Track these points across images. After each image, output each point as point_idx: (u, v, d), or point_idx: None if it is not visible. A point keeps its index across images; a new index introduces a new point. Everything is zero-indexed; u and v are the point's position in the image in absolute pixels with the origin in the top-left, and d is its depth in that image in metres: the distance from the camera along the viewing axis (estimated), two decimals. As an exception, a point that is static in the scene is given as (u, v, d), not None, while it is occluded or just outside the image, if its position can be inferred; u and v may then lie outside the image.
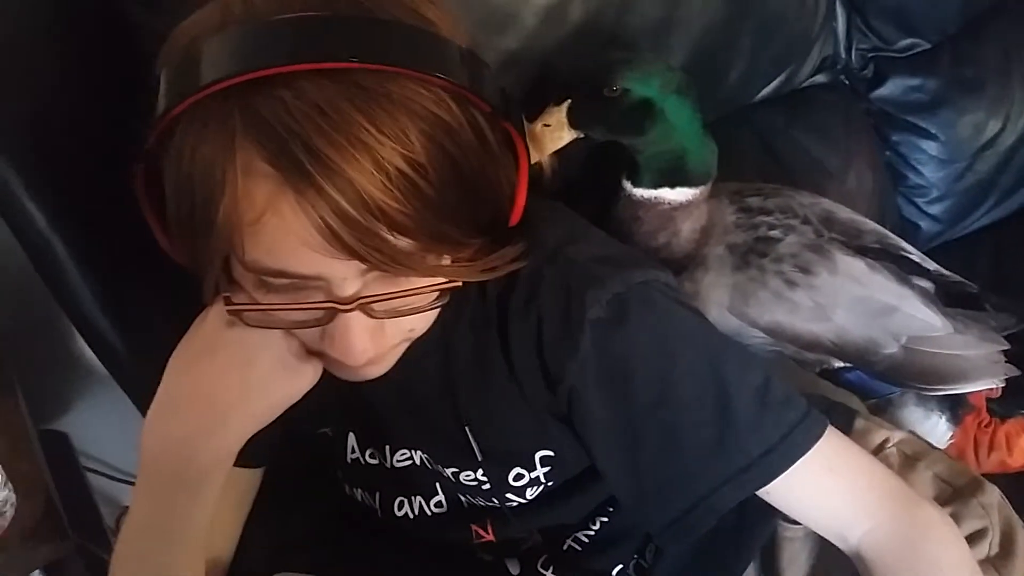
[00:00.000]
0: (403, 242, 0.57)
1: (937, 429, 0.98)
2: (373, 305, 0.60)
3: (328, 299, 0.59)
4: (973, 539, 0.75)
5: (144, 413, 0.66)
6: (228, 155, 0.55)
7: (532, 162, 0.76)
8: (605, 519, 0.81)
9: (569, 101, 0.86)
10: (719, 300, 0.94)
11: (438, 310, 0.65)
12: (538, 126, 0.87)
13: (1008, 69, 1.30)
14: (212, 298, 0.65)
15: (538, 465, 0.76)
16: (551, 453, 0.75)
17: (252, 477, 0.81)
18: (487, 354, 0.72)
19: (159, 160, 0.60)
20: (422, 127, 0.56)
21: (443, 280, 0.62)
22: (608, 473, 0.72)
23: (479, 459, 0.76)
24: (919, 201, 1.32)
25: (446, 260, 0.62)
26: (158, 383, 0.66)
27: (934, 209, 1.33)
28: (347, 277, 0.59)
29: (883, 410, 0.97)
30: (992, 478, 1.09)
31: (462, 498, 0.80)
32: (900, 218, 1.32)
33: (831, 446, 0.69)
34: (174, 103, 0.56)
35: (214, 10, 0.59)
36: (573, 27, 1.01)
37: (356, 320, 0.60)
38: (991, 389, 1.00)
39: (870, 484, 0.69)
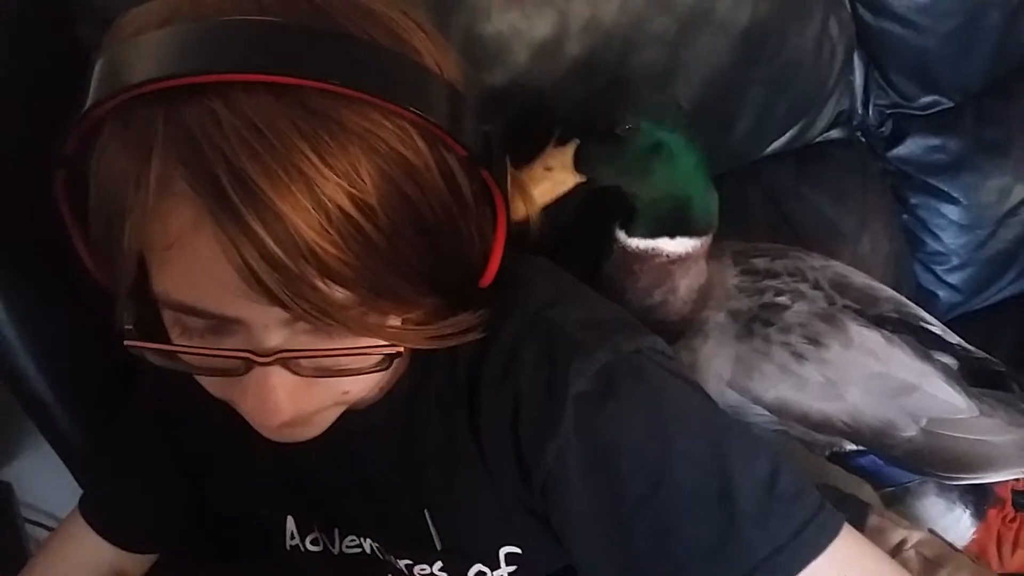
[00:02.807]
0: (339, 293, 0.49)
1: (960, 524, 0.88)
2: (299, 360, 0.52)
3: (245, 348, 0.51)
4: None
5: (71, 465, 0.57)
6: (143, 166, 0.47)
7: (528, 212, 0.68)
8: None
9: (577, 142, 0.79)
10: (719, 372, 0.85)
11: (382, 374, 0.56)
12: (539, 170, 0.79)
13: (1035, 132, 1.22)
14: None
15: (503, 563, 0.66)
16: (518, 550, 0.66)
17: (119, 559, 0.72)
18: (454, 432, 0.63)
19: (84, 165, 0.52)
20: (378, 164, 0.49)
21: (385, 342, 0.53)
22: (589, 570, 0.62)
23: (438, 550, 0.66)
24: (938, 269, 1.24)
25: (392, 320, 0.54)
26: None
27: (953, 278, 1.24)
28: (268, 325, 0.50)
29: (900, 500, 0.87)
30: None
31: None
32: (917, 286, 1.23)
33: (847, 548, 0.59)
34: (98, 101, 0.48)
35: (163, 2, 0.51)
36: (569, 66, 0.93)
37: (276, 375, 0.51)
38: (1018, 480, 0.91)
39: None
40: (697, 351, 0.85)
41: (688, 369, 0.88)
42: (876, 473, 0.88)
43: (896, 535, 0.73)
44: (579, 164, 0.79)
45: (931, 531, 0.78)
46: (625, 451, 0.59)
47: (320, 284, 0.47)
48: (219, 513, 0.78)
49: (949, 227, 1.21)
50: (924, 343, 0.87)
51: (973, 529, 0.91)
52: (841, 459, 0.87)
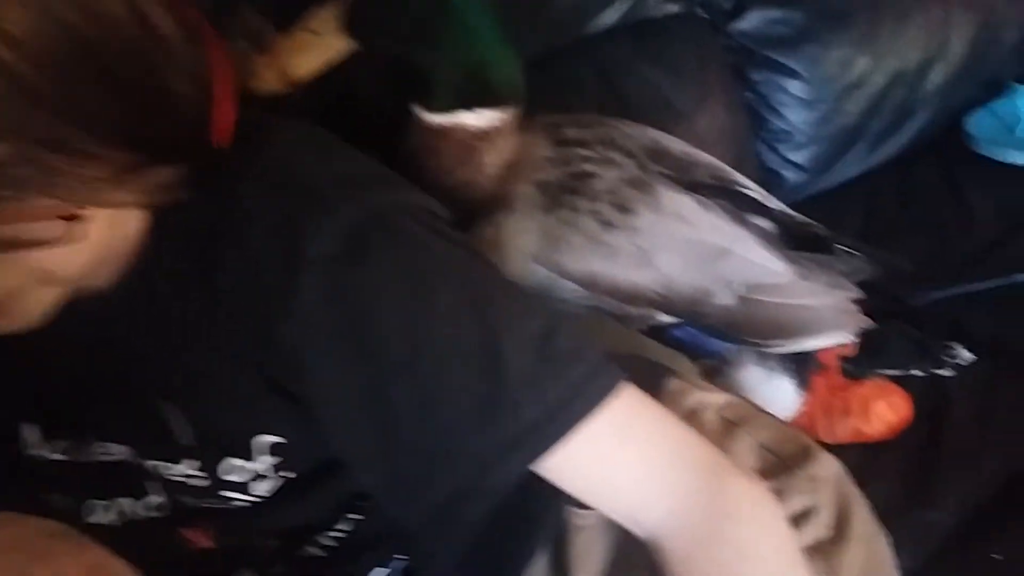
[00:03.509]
0: None
1: (782, 393, 0.86)
2: None
3: None
4: (798, 520, 0.62)
5: None
6: None
7: (292, 79, 0.61)
8: (358, 516, 0.66)
9: (348, 1, 0.71)
10: (524, 247, 0.80)
11: (95, 248, 0.49)
12: (302, 34, 0.71)
13: (876, 1, 1.19)
14: None
15: (260, 453, 0.60)
16: (279, 439, 0.60)
17: None
18: (192, 310, 0.57)
19: None
20: None
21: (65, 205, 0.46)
22: (350, 458, 0.57)
23: (187, 446, 0.60)
24: (782, 148, 1.21)
25: (68, 180, 0.47)
26: None
27: (798, 157, 1.21)
28: None
29: (719, 372, 0.84)
30: (848, 449, 0.99)
31: (178, 499, 0.64)
32: (761, 167, 1.20)
33: (626, 409, 0.56)
34: None
35: None
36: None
37: None
38: (843, 346, 0.89)
39: (671, 455, 0.56)
40: (501, 226, 0.80)
41: (492, 245, 0.83)
42: (693, 345, 0.85)
43: (695, 398, 0.70)
44: (351, 27, 0.71)
45: (740, 396, 0.75)
46: (378, 317, 0.53)
47: None
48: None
49: (792, 103, 1.18)
50: (740, 207, 0.84)
51: (798, 399, 0.89)
52: (658, 333, 0.83)
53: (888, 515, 0.93)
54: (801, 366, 0.88)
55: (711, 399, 0.70)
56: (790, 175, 1.22)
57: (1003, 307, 1.07)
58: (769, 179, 1.20)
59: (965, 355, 0.92)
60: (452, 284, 0.56)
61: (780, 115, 1.18)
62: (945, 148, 1.30)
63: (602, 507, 0.59)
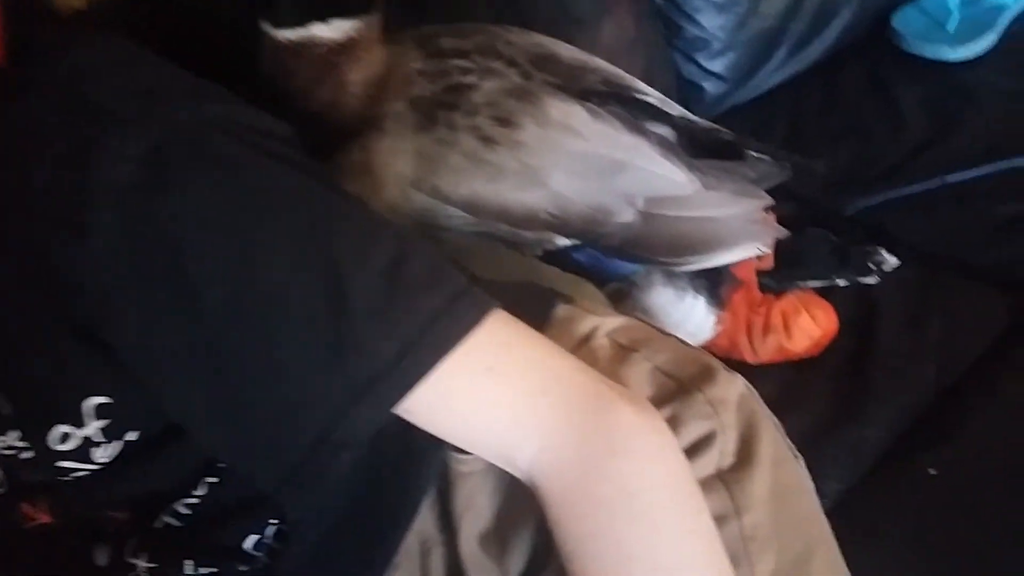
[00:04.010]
0: None
1: (695, 313, 0.80)
2: None
3: None
4: (697, 448, 0.56)
5: None
6: None
7: None
8: (214, 479, 0.59)
9: None
10: (399, 171, 0.72)
11: None
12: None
13: None
14: None
15: (89, 418, 0.53)
16: (106, 400, 0.52)
17: None
18: None
19: None
20: None
21: None
22: (182, 417, 0.50)
23: (9, 416, 0.53)
24: (699, 57, 1.13)
25: None
26: None
27: (717, 65, 1.14)
28: None
29: (626, 295, 0.78)
30: (773, 369, 0.94)
31: (14, 474, 0.57)
32: (679, 79, 1.12)
33: (493, 339, 0.49)
34: None
35: None
36: None
37: None
38: (759, 258, 0.83)
39: (543, 388, 0.50)
40: (372, 150, 0.72)
41: (363, 171, 0.75)
42: (596, 268, 0.78)
43: (586, 324, 0.63)
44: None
45: (638, 317, 0.68)
46: (191, 252, 0.46)
47: None
48: None
49: (705, 7, 1.09)
50: (636, 115, 0.76)
51: (714, 318, 0.83)
52: (556, 258, 0.76)
53: (817, 434, 0.88)
54: (715, 284, 0.81)
55: (605, 324, 0.63)
56: (710, 86, 1.14)
57: (934, 210, 1.02)
58: (689, 92, 1.12)
59: (890, 260, 0.86)
60: (281, 210, 0.48)
61: (694, 21, 1.10)
62: (871, 49, 1.23)
63: (475, 449, 0.53)
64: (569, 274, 0.76)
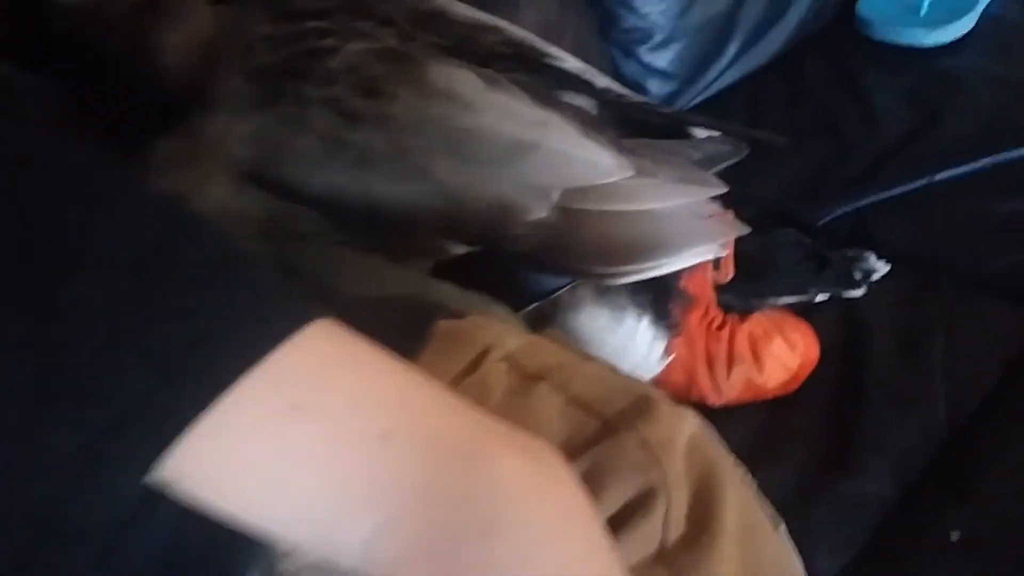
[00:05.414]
0: None
1: (638, 340, 0.62)
2: None
3: None
4: (628, 515, 0.38)
5: None
6: None
7: None
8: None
9: None
10: (233, 160, 0.55)
11: None
12: None
13: None
14: None
15: None
16: None
17: None
18: None
19: None
20: None
21: None
22: None
23: None
24: (640, 51, 0.97)
25: None
26: None
27: (660, 60, 0.98)
28: None
29: (549, 319, 0.60)
30: (744, 411, 0.76)
31: None
32: (617, 77, 0.95)
33: (307, 359, 0.33)
34: None
35: None
36: None
37: None
38: (715, 268, 0.66)
39: (388, 428, 0.33)
40: (199, 135, 0.55)
41: (185, 162, 0.58)
42: (506, 285, 0.61)
43: (476, 344, 0.45)
44: None
45: (554, 337, 0.51)
46: None
47: None
48: None
49: (645, -7, 0.95)
50: (549, 84, 0.60)
51: (663, 347, 0.66)
52: (452, 272, 0.59)
53: (804, 492, 0.70)
54: (661, 301, 0.64)
55: (503, 343, 0.45)
56: (654, 85, 0.98)
57: (922, 214, 0.86)
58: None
59: (878, 265, 0.69)
60: None
61: (631, 7, 0.94)
62: (836, 38, 1.09)
63: (284, 533, 0.35)
64: (471, 294, 0.58)
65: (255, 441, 0.33)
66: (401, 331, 0.42)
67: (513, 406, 0.42)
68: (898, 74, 1.03)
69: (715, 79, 1.04)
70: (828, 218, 0.88)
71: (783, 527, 0.46)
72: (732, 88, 1.06)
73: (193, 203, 0.49)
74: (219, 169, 0.54)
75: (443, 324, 0.45)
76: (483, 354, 0.44)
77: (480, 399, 0.40)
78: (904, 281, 0.79)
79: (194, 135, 0.55)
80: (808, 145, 0.97)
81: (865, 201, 0.89)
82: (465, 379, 0.43)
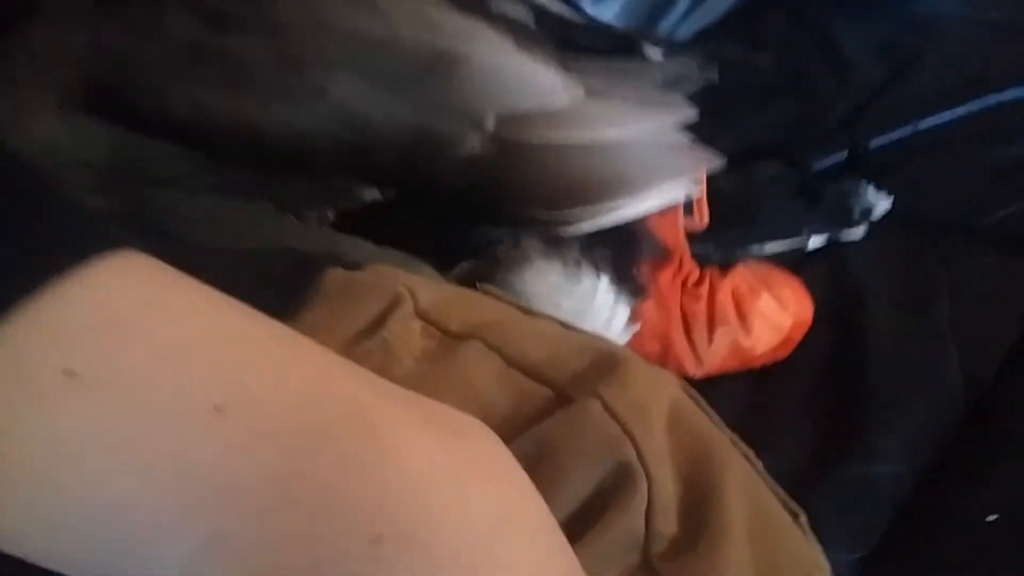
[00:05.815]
0: None
1: (598, 303, 0.51)
2: None
3: None
4: (600, 505, 0.27)
5: None
6: None
7: None
8: None
9: None
10: (60, 83, 0.42)
11: None
12: None
13: None
14: None
15: None
16: None
17: None
18: None
19: None
20: None
21: None
22: None
23: None
24: (584, 3, 0.86)
25: None
26: None
27: (607, 13, 0.87)
28: None
29: (488, 276, 0.49)
30: (730, 381, 0.65)
31: None
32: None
33: (104, 302, 0.22)
34: None
35: None
36: None
37: None
38: (686, 211, 0.55)
39: (215, 408, 0.22)
40: (18, 52, 0.42)
41: (4, 86, 0.46)
42: (432, 239, 0.48)
43: (381, 297, 0.34)
44: None
45: (491, 291, 0.39)
46: None
47: None
48: None
49: (583, -64, 0.85)
50: (473, -13, 0.50)
51: (628, 310, 0.55)
52: (362, 224, 0.47)
53: (806, 477, 0.60)
54: (623, 254, 0.52)
55: (419, 296, 0.34)
56: (599, 42, 0.89)
57: (911, 165, 0.76)
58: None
59: (878, 199, 0.59)
60: None
61: (570, -46, 0.85)
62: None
63: (52, 561, 0.22)
64: (387, 250, 0.47)
65: (15, 423, 0.21)
66: (275, 284, 0.30)
67: (431, 374, 0.30)
68: (865, 22, 0.94)
69: (666, 36, 0.96)
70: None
71: (804, 519, 0.35)
72: (684, 47, 0.98)
73: (11, 141, 0.38)
74: (45, 95, 0.42)
75: (335, 275, 0.33)
76: (389, 309, 0.32)
77: (383, 367, 0.28)
78: (896, 238, 0.70)
79: (10, 53, 0.42)
80: (774, 106, 0.89)
81: (843, 156, 0.81)
82: (363, 342, 0.31)
